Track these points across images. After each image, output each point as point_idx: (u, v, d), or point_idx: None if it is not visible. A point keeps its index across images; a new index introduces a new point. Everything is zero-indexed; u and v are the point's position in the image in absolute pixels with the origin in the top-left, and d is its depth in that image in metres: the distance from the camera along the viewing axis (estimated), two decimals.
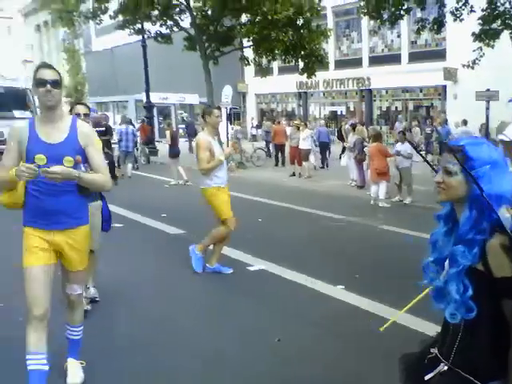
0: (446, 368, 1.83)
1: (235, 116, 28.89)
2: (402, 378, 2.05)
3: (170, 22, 19.95)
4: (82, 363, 3.71)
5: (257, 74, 25.54)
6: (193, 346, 4.29)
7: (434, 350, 1.91)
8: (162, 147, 20.74)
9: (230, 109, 22.34)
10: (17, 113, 15.14)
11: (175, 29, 20.22)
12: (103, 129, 15.11)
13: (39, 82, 3.13)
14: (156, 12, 19.46)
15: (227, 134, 18.89)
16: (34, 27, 52.97)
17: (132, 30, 20.83)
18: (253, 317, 4.97)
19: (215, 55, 19.73)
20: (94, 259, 5.09)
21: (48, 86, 3.11)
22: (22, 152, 3.18)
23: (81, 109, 4.96)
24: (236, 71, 29.47)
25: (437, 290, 1.86)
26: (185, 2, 18.91)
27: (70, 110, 4.93)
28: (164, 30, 20.38)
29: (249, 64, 21.02)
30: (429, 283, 1.93)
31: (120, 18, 20.08)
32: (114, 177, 14.17)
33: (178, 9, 19.65)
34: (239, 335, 4.56)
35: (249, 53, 20.96)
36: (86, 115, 4.95)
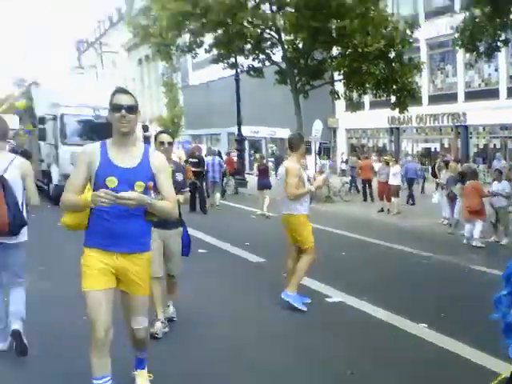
0: None
1: (325, 151, 28.78)
2: None
3: (262, 56, 20.36)
4: (149, 376, 3.71)
5: (347, 109, 25.33)
6: (265, 376, 4.20)
7: None
8: (252, 179, 21.06)
9: (320, 143, 22.31)
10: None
11: (267, 63, 20.59)
12: (196, 160, 15.61)
13: (115, 108, 3.09)
14: (249, 46, 19.97)
15: (315, 167, 18.83)
16: (136, 61, 56.29)
17: (226, 64, 21.46)
18: (328, 348, 4.81)
19: (305, 89, 19.85)
20: (174, 284, 5.30)
21: (123, 111, 3.08)
22: (92, 174, 3.15)
23: (165, 137, 4.98)
24: (327, 106, 29.46)
25: (507, 325, 1.66)
26: (276, 36, 19.29)
27: (155, 139, 5.06)
28: (256, 64, 20.82)
29: (339, 98, 20.94)
30: (500, 318, 1.73)
31: (215, 51, 20.79)
32: (204, 207, 14.63)
33: (269, 42, 20.07)
34: (312, 366, 4.41)
35: (339, 87, 20.90)
36: (169, 144, 4.99)
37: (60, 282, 6.40)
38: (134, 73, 58.05)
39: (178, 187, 4.83)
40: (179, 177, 5.05)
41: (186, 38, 20.76)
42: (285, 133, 30.61)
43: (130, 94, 3.23)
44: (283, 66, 19.99)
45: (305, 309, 5.89)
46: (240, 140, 24.35)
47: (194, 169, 15.23)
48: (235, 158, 23.60)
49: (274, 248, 8.63)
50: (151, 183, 3.18)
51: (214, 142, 39.30)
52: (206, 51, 20.52)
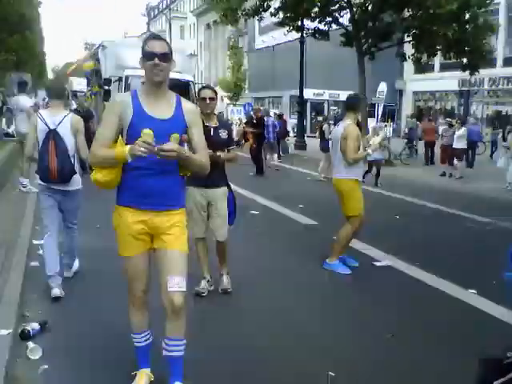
0: None
1: (389, 113, 28.02)
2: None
3: (328, 19, 19.94)
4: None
5: (416, 72, 24.47)
6: (304, 338, 4.21)
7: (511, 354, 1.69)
8: (311, 141, 20.98)
9: (384, 106, 21.76)
10: None
11: (334, 25, 20.16)
12: (254, 122, 15.74)
13: (147, 55, 2.84)
14: (316, 9, 19.56)
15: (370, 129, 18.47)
16: (204, 26, 56.51)
17: (291, 27, 21.17)
18: (369, 310, 4.86)
19: (372, 51, 19.31)
20: (223, 251, 5.13)
21: (156, 59, 2.81)
22: (124, 126, 2.92)
23: (207, 93, 4.72)
24: (394, 68, 28.63)
25: None
26: None
27: (198, 94, 4.89)
28: (322, 27, 20.41)
29: (405, 60, 20.28)
30: None
31: (281, 15, 20.52)
32: (260, 169, 14.77)
33: (337, 5, 19.58)
34: (352, 327, 4.50)
35: (408, 49, 20.18)
36: (211, 99, 4.69)
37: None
38: (201, 37, 58.32)
39: (221, 144, 4.76)
40: (223, 134, 4.86)
41: (252, 1, 20.58)
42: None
43: (164, 40, 2.96)
44: (350, 28, 19.48)
45: (348, 271, 5.87)
46: (301, 102, 24.24)
47: (251, 129, 15.37)
48: (289, 120, 23.48)
49: (327, 210, 8.64)
50: (186, 136, 3.00)
51: (275, 105, 39.13)
52: (272, 14, 20.34)
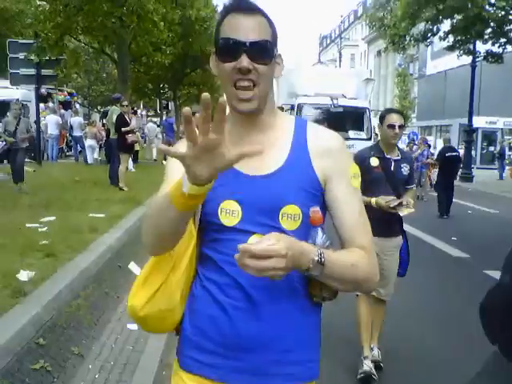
0: None
1: None
2: None
3: (502, 40, 18.83)
4: None
5: None
6: None
7: None
8: (482, 173, 19.71)
9: None
10: (351, 133, 15.07)
11: (509, 47, 18.97)
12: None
13: (225, 46, 1.36)
14: (489, 30, 18.62)
15: None
16: (374, 53, 56.56)
17: (462, 51, 20.39)
18: None
19: None
20: (382, 312, 4.05)
21: (244, 57, 1.34)
22: None
23: (396, 118, 3.82)
24: None
25: None
26: None
27: (381, 119, 3.90)
28: (495, 49, 19.33)
29: None
30: None
31: (451, 38, 19.88)
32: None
33: None
34: None
35: None
36: (400, 127, 3.80)
37: None
38: (371, 65, 58.38)
39: (402, 182, 3.88)
40: (405, 169, 3.87)
41: (419, 26, 20.27)
42: None
43: (260, 12, 1.43)
44: None
45: None
46: (469, 131, 23.06)
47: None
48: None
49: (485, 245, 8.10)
50: (316, 211, 1.40)
51: (443, 134, 37.52)
52: (441, 39, 19.80)
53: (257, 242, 1.23)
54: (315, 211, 1.38)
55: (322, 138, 1.49)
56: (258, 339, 1.41)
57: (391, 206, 3.56)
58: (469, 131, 23.10)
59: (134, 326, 4.32)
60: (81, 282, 4.80)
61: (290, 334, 1.44)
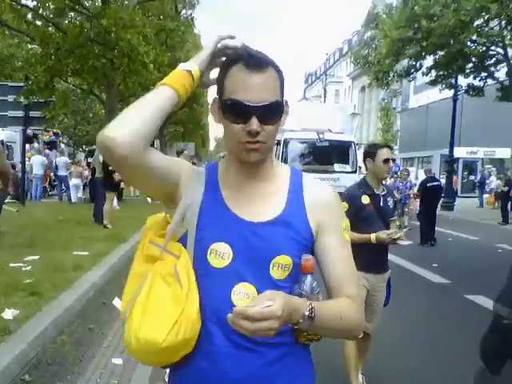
0: None
1: None
2: None
3: (483, 74, 19.40)
4: None
5: None
6: None
7: None
8: (463, 202, 19.99)
9: None
10: (337, 166, 15.18)
11: (489, 80, 19.55)
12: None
13: (234, 106, 1.33)
14: (470, 64, 19.19)
15: None
16: (359, 89, 57.71)
17: (444, 85, 20.94)
18: None
19: None
20: (369, 342, 4.03)
21: (254, 120, 1.32)
22: (187, 229, 1.48)
23: (388, 153, 3.89)
24: None
25: None
26: (502, 52, 18.19)
27: (371, 154, 3.88)
28: (476, 83, 19.89)
29: None
30: None
31: (433, 73, 20.40)
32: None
33: (493, 59, 19.02)
34: None
35: None
36: (393, 161, 4.03)
37: None
38: (355, 99, 59.45)
39: (389, 216, 3.93)
40: (390, 202, 3.95)
41: (403, 63, 20.85)
42: (505, 152, 28.23)
43: (270, 64, 1.40)
44: (507, 82, 18.77)
45: None
46: (450, 161, 23.47)
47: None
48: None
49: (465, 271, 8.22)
50: (309, 259, 1.40)
51: (424, 165, 38.07)
52: (424, 74, 20.34)
53: (252, 304, 1.19)
54: (307, 259, 1.38)
55: (317, 191, 1.52)
56: (242, 380, 1.38)
57: (394, 237, 3.58)
58: (449, 161, 23.48)
59: (119, 361, 4.34)
60: (65, 319, 4.79)
61: (281, 374, 1.42)
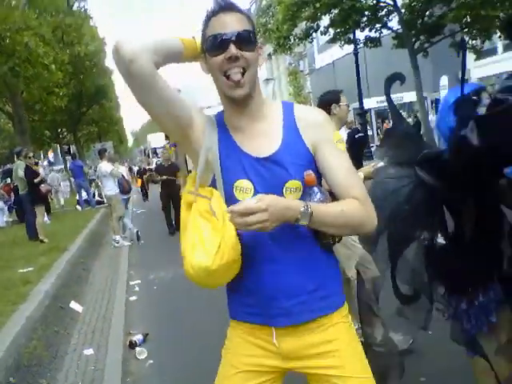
0: None
1: None
2: None
3: (378, 25, 20.32)
4: None
5: (478, 58, 24.08)
6: None
7: None
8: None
9: None
10: None
11: (384, 31, 20.50)
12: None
13: (214, 43, 1.66)
14: (364, 18, 20.04)
15: None
16: (265, 57, 58.23)
17: (343, 41, 21.72)
18: None
19: (424, 47, 19.48)
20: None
21: (232, 47, 1.63)
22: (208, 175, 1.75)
23: (345, 99, 3.90)
24: (457, 60, 28.03)
25: None
26: (392, 2, 19.15)
27: (333, 102, 3.87)
28: (373, 34, 20.80)
29: (464, 49, 20.05)
30: None
31: (331, 31, 21.10)
32: None
33: (385, 10, 19.95)
34: None
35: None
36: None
37: None
38: (263, 68, 59.90)
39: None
40: None
41: (301, 26, 21.36)
42: (412, 96, 29.73)
43: (239, 10, 1.69)
44: (400, 30, 19.80)
45: None
46: (362, 113, 24.35)
47: None
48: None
49: None
50: (310, 173, 1.63)
51: None
52: (322, 33, 20.99)
53: (240, 203, 1.49)
54: (309, 174, 1.63)
55: (307, 114, 1.76)
56: (278, 286, 1.67)
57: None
58: (361, 113, 24.45)
59: (90, 351, 4.68)
60: (30, 327, 4.98)
61: (307, 277, 1.69)
